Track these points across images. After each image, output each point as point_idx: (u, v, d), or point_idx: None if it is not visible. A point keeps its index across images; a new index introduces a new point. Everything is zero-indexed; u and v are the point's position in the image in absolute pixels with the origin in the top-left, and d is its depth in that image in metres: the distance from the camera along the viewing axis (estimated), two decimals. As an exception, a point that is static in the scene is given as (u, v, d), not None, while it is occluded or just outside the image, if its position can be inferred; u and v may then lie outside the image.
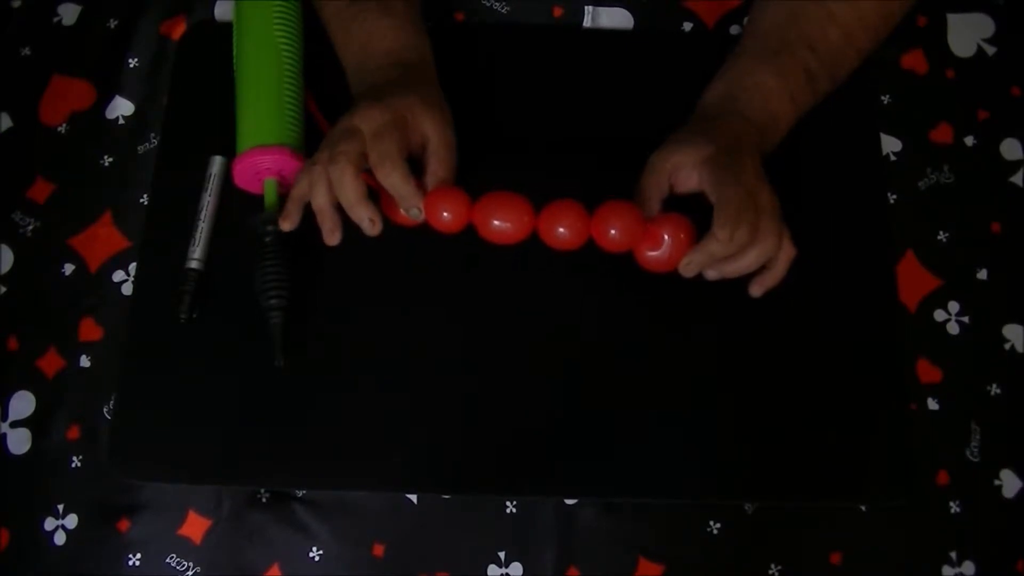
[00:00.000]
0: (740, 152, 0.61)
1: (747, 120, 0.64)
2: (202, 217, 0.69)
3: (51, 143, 0.75)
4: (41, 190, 0.74)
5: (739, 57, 0.68)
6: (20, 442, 0.67)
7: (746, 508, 0.66)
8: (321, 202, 0.63)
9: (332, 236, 0.64)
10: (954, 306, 0.70)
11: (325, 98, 0.73)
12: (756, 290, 0.64)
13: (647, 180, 0.63)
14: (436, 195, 0.62)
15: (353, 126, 0.62)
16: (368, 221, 0.62)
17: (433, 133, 0.63)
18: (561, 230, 0.61)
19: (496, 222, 0.61)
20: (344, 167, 0.60)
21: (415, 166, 0.63)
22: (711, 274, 0.62)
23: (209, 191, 0.70)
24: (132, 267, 0.71)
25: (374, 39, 0.68)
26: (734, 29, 0.77)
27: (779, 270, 0.63)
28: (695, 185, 0.62)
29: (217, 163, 0.71)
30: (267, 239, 0.66)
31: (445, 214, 0.62)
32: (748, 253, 0.61)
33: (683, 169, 0.62)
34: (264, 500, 0.66)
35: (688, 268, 0.61)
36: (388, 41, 0.67)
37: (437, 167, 0.62)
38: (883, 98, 0.76)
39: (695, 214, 0.62)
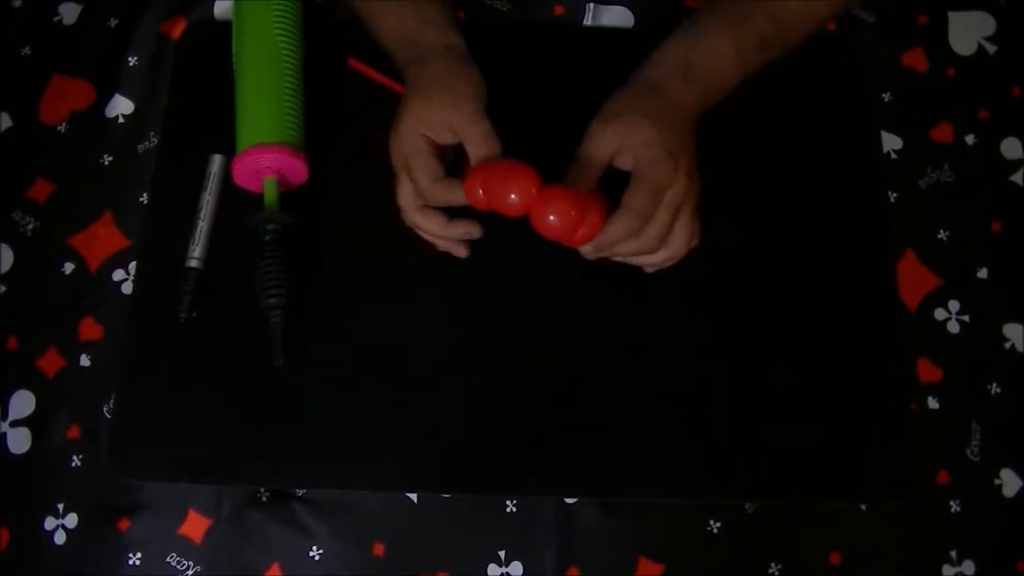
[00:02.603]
0: (681, 138, 0.61)
1: (696, 91, 0.63)
2: (202, 216, 0.69)
3: (51, 143, 0.75)
4: (41, 190, 0.74)
5: (699, 20, 0.66)
6: (20, 442, 0.68)
7: (746, 508, 0.66)
8: (430, 236, 0.66)
9: (459, 251, 0.67)
10: (954, 305, 0.70)
11: (326, 98, 0.72)
12: (650, 269, 0.65)
13: (588, 160, 0.62)
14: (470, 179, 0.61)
15: (396, 169, 0.65)
16: (464, 234, 0.65)
17: (460, 130, 0.62)
18: (513, 197, 0.59)
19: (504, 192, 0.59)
20: (413, 217, 0.65)
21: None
22: (617, 258, 0.64)
23: (209, 190, 0.70)
24: (132, 266, 0.71)
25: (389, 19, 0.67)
26: (734, 28, 0.77)
27: (678, 259, 0.64)
28: (629, 168, 0.61)
29: (217, 162, 0.71)
30: (267, 238, 0.66)
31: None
32: (658, 253, 0.62)
33: (625, 153, 0.61)
34: (264, 500, 0.66)
35: (589, 255, 0.62)
36: (397, 26, 0.67)
37: (474, 151, 0.62)
38: (883, 96, 0.76)
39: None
